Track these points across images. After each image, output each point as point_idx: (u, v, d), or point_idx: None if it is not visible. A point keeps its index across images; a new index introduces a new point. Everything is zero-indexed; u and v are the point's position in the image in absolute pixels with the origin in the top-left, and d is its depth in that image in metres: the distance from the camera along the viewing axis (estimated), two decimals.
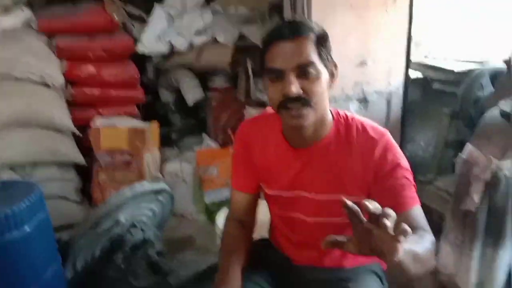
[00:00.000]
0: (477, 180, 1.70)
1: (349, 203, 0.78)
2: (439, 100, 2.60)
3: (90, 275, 2.03)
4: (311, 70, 0.98)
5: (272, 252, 1.30)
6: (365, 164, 1.06)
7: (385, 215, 0.74)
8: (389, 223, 0.73)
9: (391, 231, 0.73)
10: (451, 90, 2.50)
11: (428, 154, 2.83)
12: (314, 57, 0.99)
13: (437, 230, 2.36)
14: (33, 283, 1.53)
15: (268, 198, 1.23)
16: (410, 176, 1.05)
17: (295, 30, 0.99)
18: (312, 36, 0.99)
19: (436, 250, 2.01)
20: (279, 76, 0.99)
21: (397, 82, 2.49)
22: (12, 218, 1.44)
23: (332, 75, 1.04)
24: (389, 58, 2.42)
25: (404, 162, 1.06)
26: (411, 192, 1.04)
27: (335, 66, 1.05)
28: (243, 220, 1.25)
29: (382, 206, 1.05)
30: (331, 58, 1.03)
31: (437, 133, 2.61)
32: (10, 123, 2.23)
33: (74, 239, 1.78)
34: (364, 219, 0.78)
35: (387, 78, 2.45)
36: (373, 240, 0.76)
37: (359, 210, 0.78)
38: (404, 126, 2.62)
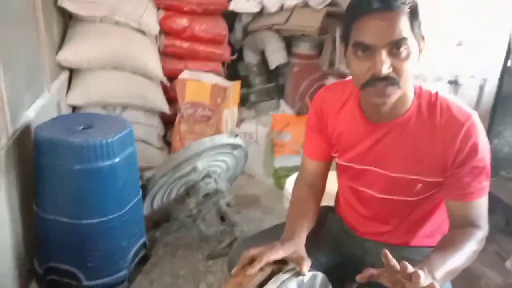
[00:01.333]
0: None
1: (390, 256, 0.86)
2: None
3: (164, 214, 2.18)
4: (404, 48, 0.92)
5: (337, 221, 1.30)
6: (446, 146, 1.00)
7: (415, 277, 0.81)
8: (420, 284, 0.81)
9: None
10: None
11: None
12: (407, 32, 0.92)
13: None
14: (117, 211, 1.68)
15: (339, 168, 1.23)
16: (486, 163, 1.01)
17: (388, 2, 0.91)
18: (406, 9, 0.92)
19: (508, 249, 1.93)
20: (367, 51, 0.94)
21: (494, 69, 2.34)
22: (105, 148, 1.58)
23: (420, 50, 0.98)
24: (489, 42, 2.27)
25: (483, 149, 1.01)
26: (480, 183, 1.02)
27: (423, 38, 0.98)
28: (313, 185, 1.25)
29: (448, 190, 1.06)
30: (421, 32, 0.97)
31: None
32: (107, 63, 2.38)
33: (155, 178, 1.91)
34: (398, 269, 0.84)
35: (483, 63, 2.30)
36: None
37: (396, 264, 0.84)
38: (493, 118, 2.47)
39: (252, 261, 0.99)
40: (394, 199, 1.12)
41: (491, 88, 2.37)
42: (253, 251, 1.00)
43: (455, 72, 2.27)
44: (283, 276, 0.97)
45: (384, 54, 0.92)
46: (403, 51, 0.93)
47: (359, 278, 0.88)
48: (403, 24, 0.92)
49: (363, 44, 0.94)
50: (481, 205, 1.04)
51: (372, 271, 0.87)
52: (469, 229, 1.02)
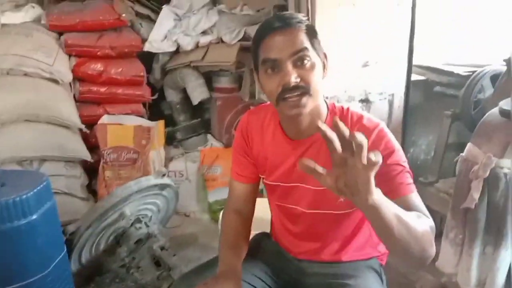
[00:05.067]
0: (476, 178, 1.72)
1: (324, 127, 0.72)
2: (440, 103, 2.63)
3: (94, 268, 2.06)
4: (307, 58, 1.00)
5: (272, 245, 1.32)
6: None
7: (356, 142, 0.70)
8: (363, 151, 0.70)
9: (364, 160, 0.70)
10: (452, 92, 2.53)
11: (429, 157, 2.86)
12: (308, 44, 1.01)
13: (437, 232, 2.40)
14: (39, 272, 1.56)
15: (267, 188, 1.25)
16: (405, 163, 1.04)
17: (286, 21, 1.01)
18: (303, 27, 1.02)
19: (437, 250, 2.04)
20: (275, 67, 1.01)
21: (399, 84, 2.52)
22: (20, 206, 1.46)
23: (323, 66, 1.06)
24: (392, 60, 2.45)
25: (399, 151, 1.04)
26: (406, 179, 1.02)
27: (326, 56, 1.07)
28: (242, 210, 1.26)
29: None
30: (322, 49, 1.06)
31: (438, 135, 2.64)
32: (19, 117, 2.26)
33: (80, 230, 1.81)
34: (340, 148, 0.74)
35: (389, 80, 2.48)
36: (348, 171, 0.74)
37: (334, 137, 0.72)
38: (405, 129, 2.64)
39: None
40: (320, 213, 1.15)
41: (399, 102, 2.54)
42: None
43: (365, 91, 2.41)
44: None
45: (290, 66, 1.00)
46: (307, 62, 1.00)
47: (299, 164, 0.75)
48: (303, 38, 1.01)
49: (270, 60, 1.01)
50: (414, 200, 1.00)
51: (316, 166, 0.76)
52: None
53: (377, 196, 0.77)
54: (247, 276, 1.18)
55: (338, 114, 1.11)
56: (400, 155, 1.04)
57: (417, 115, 2.66)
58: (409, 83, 2.54)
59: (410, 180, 1.03)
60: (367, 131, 1.04)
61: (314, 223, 1.18)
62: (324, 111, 1.11)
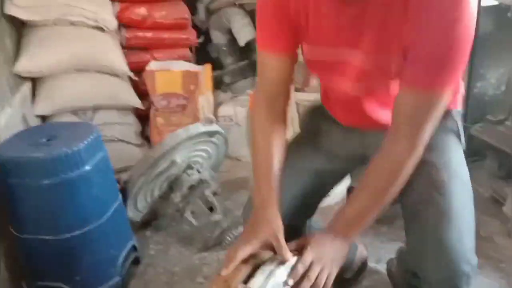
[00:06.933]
0: None
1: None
2: None
3: (150, 214, 2.13)
4: None
5: (327, 119, 1.22)
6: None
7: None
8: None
9: None
10: None
11: (499, 92, 2.61)
12: None
13: (506, 173, 2.23)
14: (96, 220, 1.62)
15: (308, 64, 1.09)
16: (462, 44, 0.87)
17: None
18: None
19: (505, 194, 1.89)
20: None
21: None
22: (72, 158, 1.49)
23: None
24: None
25: (468, 20, 0.85)
26: (439, 69, 0.85)
27: None
28: (275, 102, 1.08)
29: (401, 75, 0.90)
30: None
31: (511, 68, 2.39)
32: (69, 67, 2.28)
33: (133, 179, 1.85)
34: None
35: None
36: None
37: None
38: (473, 61, 2.39)
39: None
40: (367, 85, 1.03)
41: None
42: (232, 251, 0.94)
43: None
44: (270, 266, 0.94)
45: None
46: None
47: None
48: None
49: None
50: (430, 101, 0.88)
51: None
52: (398, 125, 0.92)
53: (342, 244, 0.98)
54: (302, 164, 1.17)
55: None
56: (462, 28, 0.86)
57: (487, 45, 2.39)
58: (479, 8, 2.26)
59: (445, 72, 0.86)
60: None
61: (359, 97, 1.08)
62: None
